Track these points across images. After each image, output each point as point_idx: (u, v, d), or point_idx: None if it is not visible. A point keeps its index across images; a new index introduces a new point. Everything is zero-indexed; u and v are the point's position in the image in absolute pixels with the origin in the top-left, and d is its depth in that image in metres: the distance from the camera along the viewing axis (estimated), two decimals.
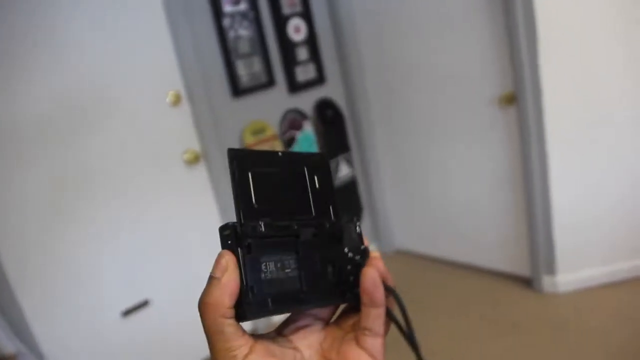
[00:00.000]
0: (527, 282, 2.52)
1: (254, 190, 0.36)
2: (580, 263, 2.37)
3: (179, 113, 2.29)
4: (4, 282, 1.89)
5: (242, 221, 0.35)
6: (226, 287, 0.34)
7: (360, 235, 0.41)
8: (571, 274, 2.38)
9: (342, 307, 0.41)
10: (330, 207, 0.40)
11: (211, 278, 0.35)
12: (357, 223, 0.41)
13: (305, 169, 0.40)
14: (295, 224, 0.37)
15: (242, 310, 0.34)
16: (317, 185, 0.40)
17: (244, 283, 0.34)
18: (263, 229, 0.35)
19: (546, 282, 2.42)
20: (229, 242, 0.35)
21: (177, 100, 2.26)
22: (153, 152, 2.23)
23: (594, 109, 2.17)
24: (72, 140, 2.03)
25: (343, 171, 2.94)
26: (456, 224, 2.81)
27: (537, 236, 2.39)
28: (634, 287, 2.28)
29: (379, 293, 0.37)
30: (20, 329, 1.92)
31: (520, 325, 2.25)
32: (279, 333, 0.40)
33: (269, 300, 0.35)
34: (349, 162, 2.97)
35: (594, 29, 2.09)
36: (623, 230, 2.30)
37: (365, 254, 0.40)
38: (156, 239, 2.27)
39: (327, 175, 0.41)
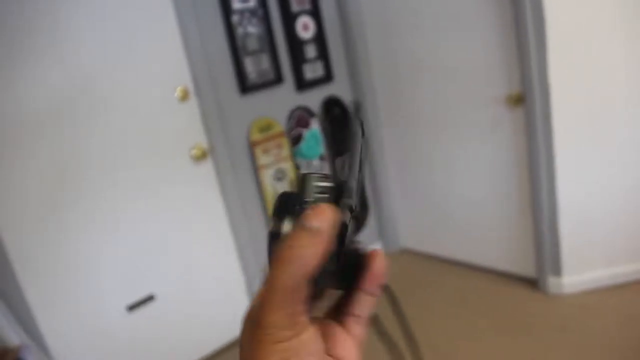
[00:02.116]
0: (533, 283, 2.51)
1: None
2: (586, 264, 2.36)
3: (186, 109, 2.29)
4: (10, 275, 1.90)
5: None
6: (326, 241, 0.29)
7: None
8: (577, 275, 2.37)
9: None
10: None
11: (306, 228, 0.29)
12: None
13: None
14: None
15: (323, 277, 0.30)
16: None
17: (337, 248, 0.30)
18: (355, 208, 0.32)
19: (552, 283, 2.41)
20: (335, 201, 0.31)
21: (185, 96, 2.27)
22: (160, 146, 2.24)
23: (601, 110, 2.17)
24: (78, 133, 2.03)
25: None
26: (462, 223, 2.80)
27: (543, 237, 2.38)
28: (639, 289, 2.28)
29: (382, 282, 0.34)
30: (25, 322, 1.93)
31: (525, 326, 2.24)
32: None
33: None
34: None
35: (602, 30, 2.08)
36: (629, 232, 2.29)
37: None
38: (162, 234, 2.28)
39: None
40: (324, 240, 0.29)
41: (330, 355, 0.32)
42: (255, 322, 0.29)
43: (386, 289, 0.35)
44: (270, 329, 0.28)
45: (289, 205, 0.32)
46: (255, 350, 0.29)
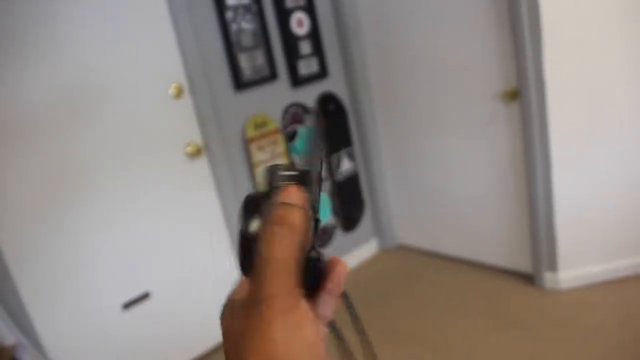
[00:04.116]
0: (529, 279, 2.51)
1: None
2: (582, 260, 2.36)
3: (181, 106, 2.28)
4: (5, 273, 1.89)
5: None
6: (306, 214, 0.30)
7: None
8: (573, 270, 2.37)
9: None
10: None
11: (287, 204, 0.30)
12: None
13: None
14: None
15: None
16: None
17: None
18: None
19: (548, 278, 2.41)
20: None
21: (179, 93, 2.26)
22: (155, 144, 2.23)
23: (597, 106, 2.16)
24: (73, 132, 2.02)
25: (345, 166, 2.93)
26: (458, 219, 2.80)
27: (539, 232, 2.38)
28: (635, 284, 2.27)
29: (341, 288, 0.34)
30: (20, 320, 1.92)
31: (521, 322, 2.24)
32: None
33: None
34: (351, 157, 2.97)
35: (598, 26, 2.07)
36: (625, 227, 2.29)
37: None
38: (157, 231, 2.27)
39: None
40: (305, 213, 0.30)
41: None
42: (252, 301, 0.29)
43: (345, 297, 0.34)
44: (275, 300, 0.28)
45: (256, 205, 0.31)
46: (257, 330, 0.28)
